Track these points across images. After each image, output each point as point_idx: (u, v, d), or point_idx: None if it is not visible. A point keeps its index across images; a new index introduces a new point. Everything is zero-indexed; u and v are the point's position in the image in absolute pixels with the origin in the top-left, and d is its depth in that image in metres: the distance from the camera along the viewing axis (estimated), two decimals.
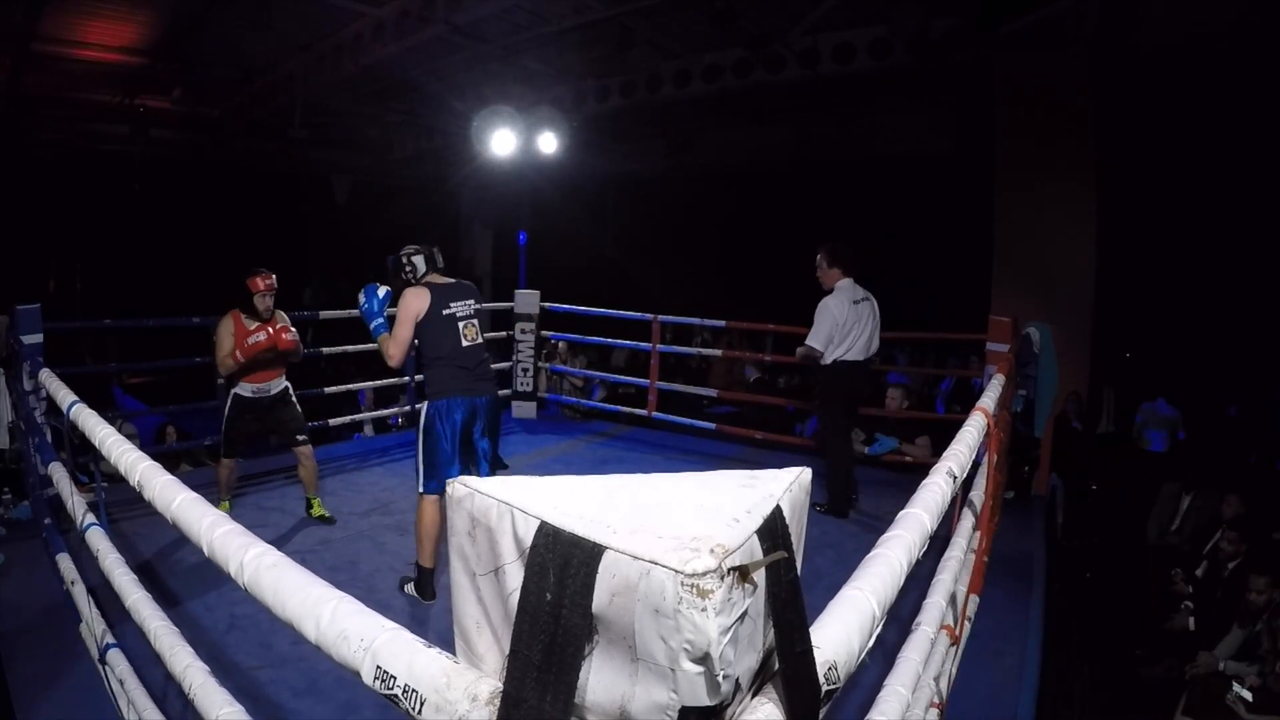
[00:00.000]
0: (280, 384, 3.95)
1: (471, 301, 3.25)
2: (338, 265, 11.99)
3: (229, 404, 3.88)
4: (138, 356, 8.16)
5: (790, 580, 0.69)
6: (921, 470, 1.55)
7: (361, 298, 3.29)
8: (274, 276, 3.87)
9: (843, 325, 4.10)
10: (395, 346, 3.13)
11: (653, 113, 9.06)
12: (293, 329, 3.87)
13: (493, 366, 3.43)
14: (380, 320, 3.26)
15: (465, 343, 3.17)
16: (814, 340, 4.12)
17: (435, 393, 3.16)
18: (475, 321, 3.22)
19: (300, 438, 3.97)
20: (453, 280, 3.28)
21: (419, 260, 3.23)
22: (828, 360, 4.15)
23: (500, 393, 3.50)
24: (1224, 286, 7.58)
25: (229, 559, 1.10)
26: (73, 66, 7.78)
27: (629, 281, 10.05)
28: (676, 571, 0.59)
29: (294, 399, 4.03)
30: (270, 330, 3.77)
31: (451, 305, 3.17)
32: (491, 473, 3.33)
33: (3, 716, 2.37)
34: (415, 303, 3.12)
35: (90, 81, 8.21)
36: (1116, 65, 6.30)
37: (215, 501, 3.94)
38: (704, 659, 0.60)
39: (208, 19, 6.96)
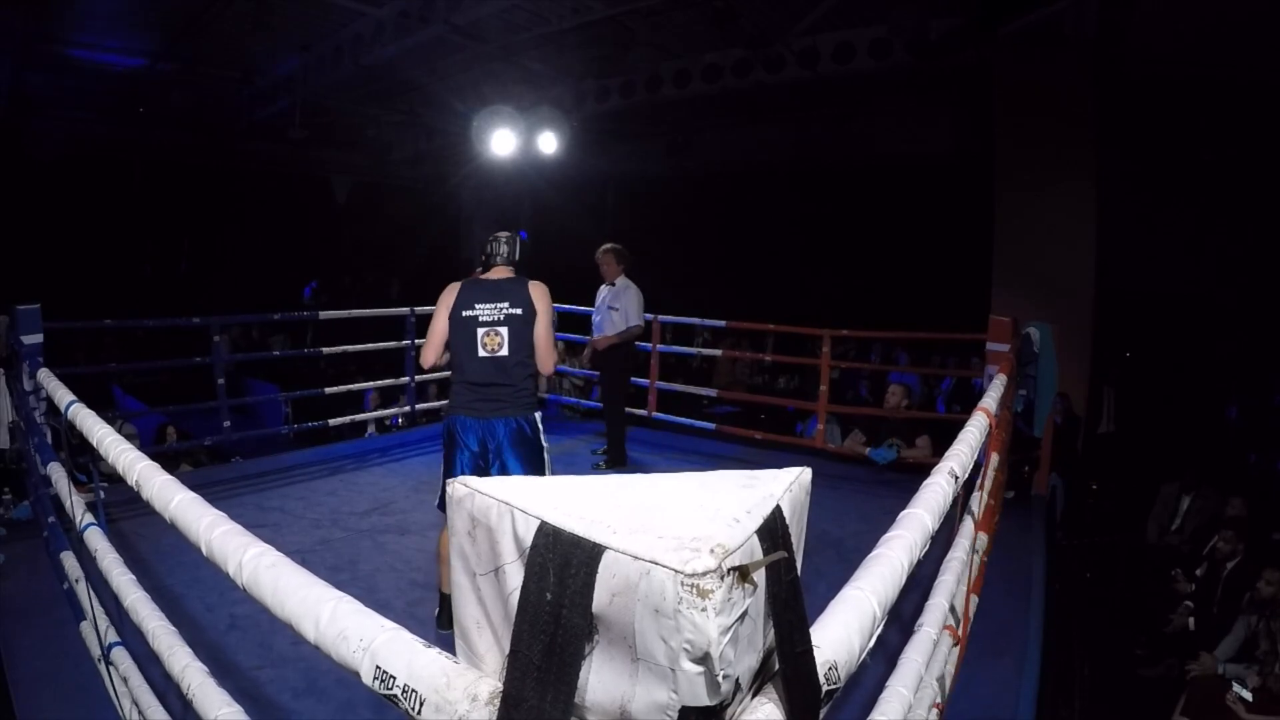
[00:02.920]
0: None
1: (505, 304, 2.74)
2: (338, 265, 11.99)
3: None
4: (137, 357, 8.16)
5: (790, 580, 0.69)
6: (922, 470, 1.55)
7: None
8: None
9: (641, 308, 5.05)
10: (426, 346, 2.79)
11: (653, 113, 9.05)
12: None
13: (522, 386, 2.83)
14: None
15: (482, 353, 2.72)
16: (638, 320, 5.01)
17: (448, 408, 2.86)
18: (503, 329, 2.73)
19: None
20: (502, 277, 2.82)
21: (491, 247, 2.86)
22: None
23: None
24: (1224, 286, 7.57)
25: (227, 559, 1.09)
26: (73, 66, 7.78)
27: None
28: (677, 571, 0.59)
29: None
30: None
31: (477, 306, 2.73)
32: None
33: (3, 717, 2.36)
34: (443, 298, 2.79)
35: (90, 81, 8.21)
36: (1117, 65, 6.29)
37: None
38: (704, 659, 0.60)
39: (207, 19, 6.96)
